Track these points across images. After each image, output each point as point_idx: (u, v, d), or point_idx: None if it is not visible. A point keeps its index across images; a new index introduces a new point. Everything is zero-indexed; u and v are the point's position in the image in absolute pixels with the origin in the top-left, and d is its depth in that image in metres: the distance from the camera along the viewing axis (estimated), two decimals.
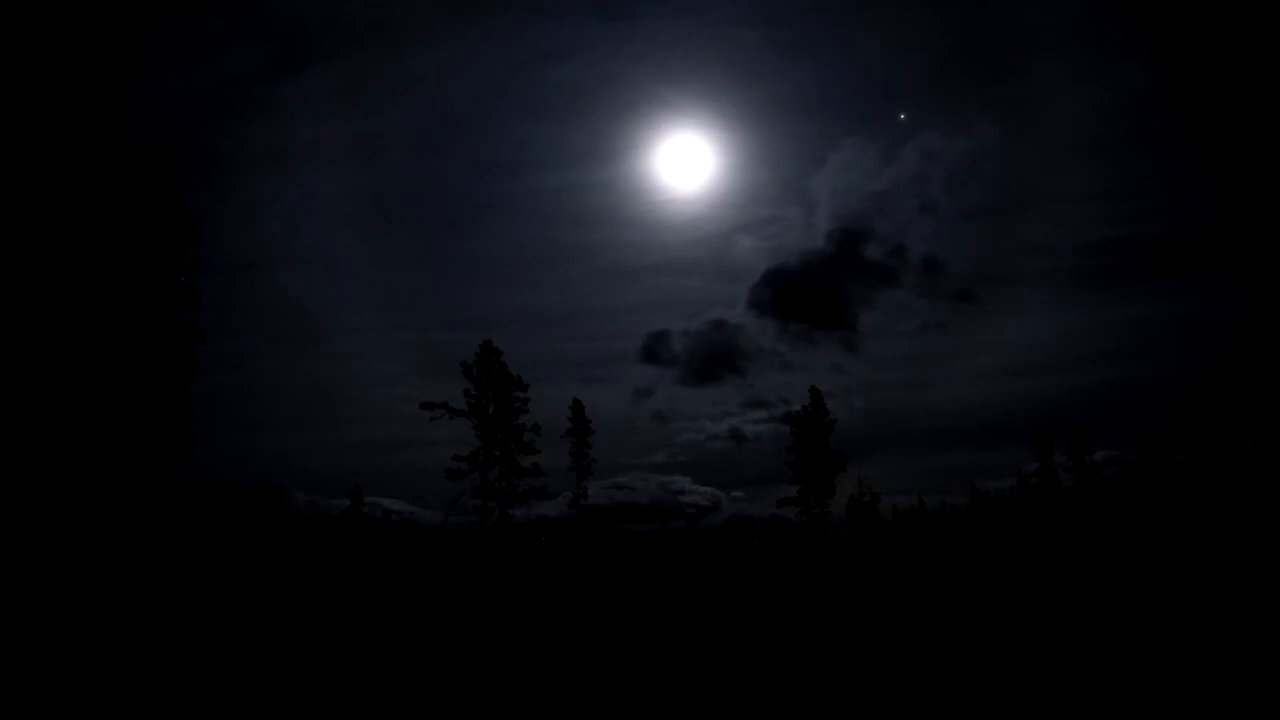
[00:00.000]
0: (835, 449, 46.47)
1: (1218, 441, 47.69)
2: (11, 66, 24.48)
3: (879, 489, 49.14)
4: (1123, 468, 59.31)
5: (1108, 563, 28.53)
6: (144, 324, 23.42)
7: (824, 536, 45.54)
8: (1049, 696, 10.14)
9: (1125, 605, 18.38)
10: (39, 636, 13.92)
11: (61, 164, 23.24)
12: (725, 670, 12.38)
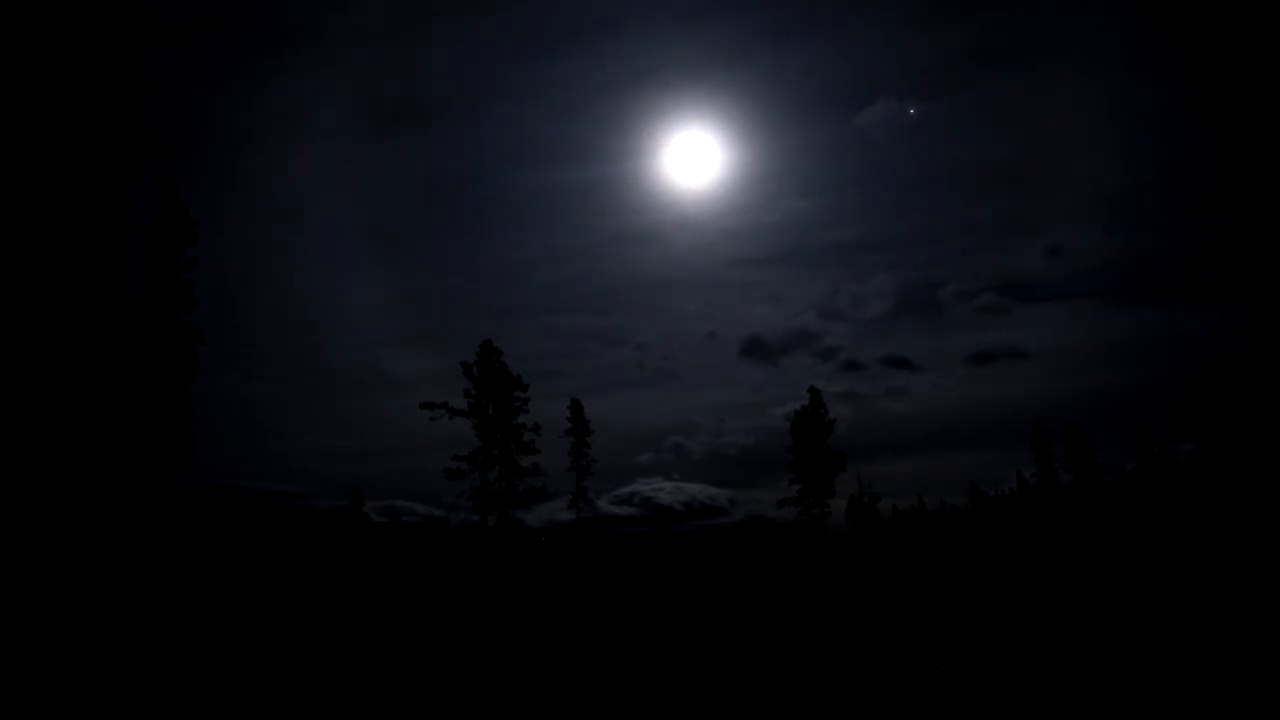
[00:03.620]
0: (835, 449, 46.44)
1: (1218, 441, 47.67)
2: (10, 70, 24.44)
3: (879, 487, 49.07)
4: (1122, 468, 59.36)
5: (1108, 562, 28.50)
6: (143, 324, 23.38)
7: (824, 536, 45.49)
8: (1050, 697, 10.10)
9: (1126, 605, 18.35)
10: (42, 635, 13.89)
11: (59, 166, 23.21)
12: (725, 669, 12.34)
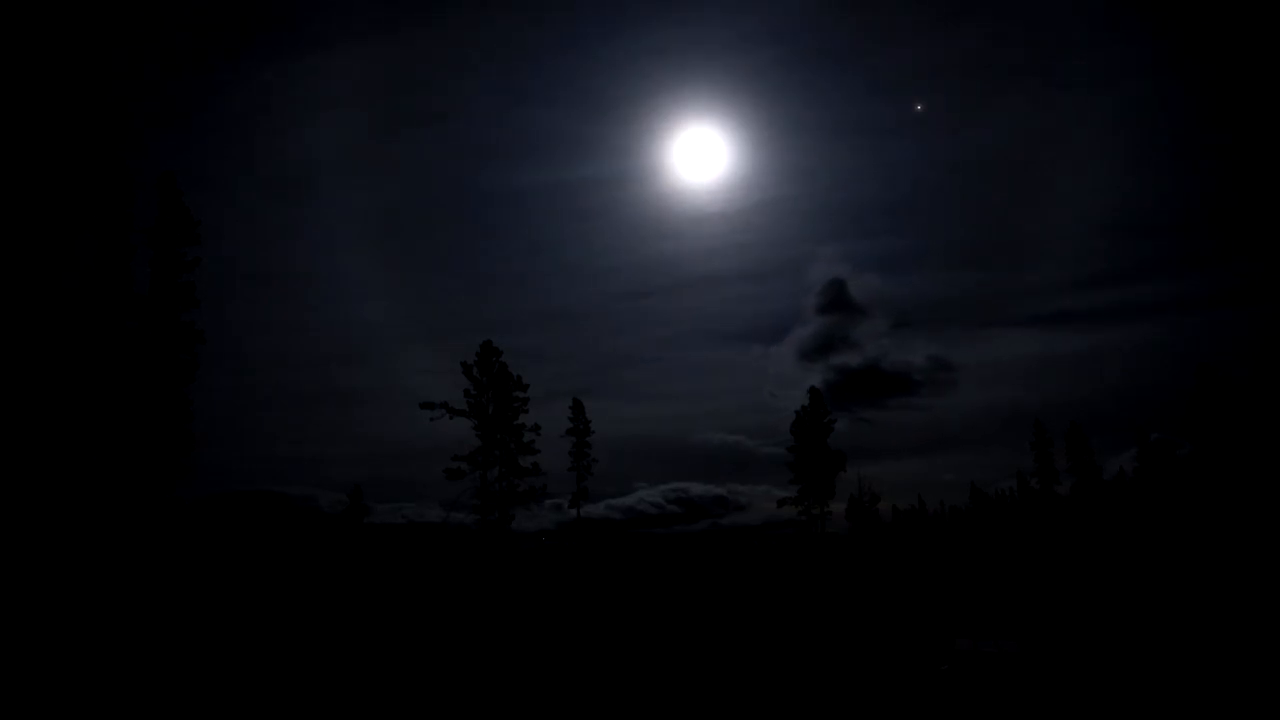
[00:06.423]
0: (835, 449, 46.52)
1: (1217, 440, 47.77)
2: (14, 70, 24.50)
3: (878, 488, 49.12)
4: (1122, 469, 59.48)
5: (1109, 562, 28.55)
6: (144, 324, 23.45)
7: (824, 536, 45.57)
8: (1052, 697, 10.15)
9: (1127, 605, 18.40)
10: (45, 635, 13.92)
11: (61, 166, 23.27)
12: (723, 669, 12.39)
